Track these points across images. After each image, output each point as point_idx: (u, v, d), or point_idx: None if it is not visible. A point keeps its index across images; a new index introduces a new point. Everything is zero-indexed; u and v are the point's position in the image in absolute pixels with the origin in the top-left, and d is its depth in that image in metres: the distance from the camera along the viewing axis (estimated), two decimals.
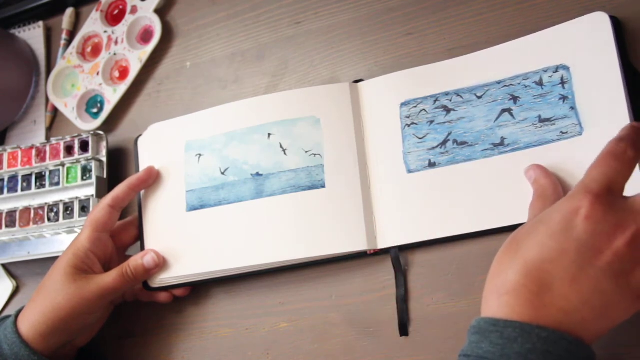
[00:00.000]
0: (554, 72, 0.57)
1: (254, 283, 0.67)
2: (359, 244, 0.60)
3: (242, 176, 0.65)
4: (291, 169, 0.64)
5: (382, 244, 0.61)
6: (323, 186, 0.62)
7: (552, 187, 0.52)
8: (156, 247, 0.66)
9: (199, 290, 0.69)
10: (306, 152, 0.64)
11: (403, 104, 0.63)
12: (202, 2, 0.79)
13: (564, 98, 0.56)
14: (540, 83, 0.58)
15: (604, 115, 0.54)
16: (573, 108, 0.56)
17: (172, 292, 0.67)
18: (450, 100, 0.61)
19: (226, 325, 0.67)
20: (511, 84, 0.59)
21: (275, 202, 0.63)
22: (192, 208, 0.66)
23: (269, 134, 0.65)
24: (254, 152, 0.65)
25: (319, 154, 0.63)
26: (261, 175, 0.64)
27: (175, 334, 0.69)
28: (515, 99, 0.58)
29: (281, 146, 0.65)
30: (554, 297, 0.42)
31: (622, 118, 0.53)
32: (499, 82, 0.59)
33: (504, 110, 0.59)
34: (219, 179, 0.66)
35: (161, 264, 0.65)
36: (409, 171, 0.61)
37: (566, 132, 0.56)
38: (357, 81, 0.66)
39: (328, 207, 0.62)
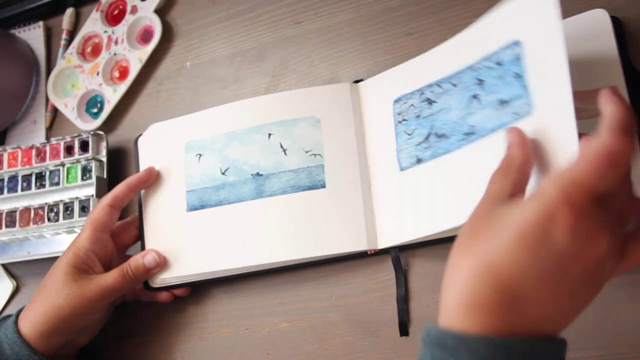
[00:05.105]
0: (510, 50, 0.51)
1: (254, 283, 0.67)
2: (359, 244, 0.60)
3: (243, 176, 0.65)
4: (291, 169, 0.64)
5: (382, 244, 0.61)
6: (323, 186, 0.62)
7: (520, 161, 0.44)
8: (157, 247, 0.66)
9: (199, 290, 0.69)
10: (306, 152, 0.64)
11: (396, 101, 0.62)
12: (202, 2, 0.79)
13: (517, 76, 0.50)
14: (500, 63, 0.52)
15: (549, 92, 0.47)
16: (525, 86, 0.49)
17: (172, 292, 0.67)
18: (433, 92, 0.58)
19: (226, 325, 0.67)
20: (478, 68, 0.54)
21: (276, 202, 0.63)
22: (192, 208, 0.66)
23: (269, 134, 0.65)
24: (254, 152, 0.65)
25: (319, 154, 0.63)
26: (261, 175, 0.64)
27: (175, 334, 0.69)
28: (481, 82, 0.54)
29: (281, 146, 0.65)
30: (529, 309, 0.38)
31: (565, 97, 0.44)
32: (470, 67, 0.55)
33: (472, 97, 0.54)
34: (219, 179, 0.66)
35: (162, 264, 0.65)
36: (402, 169, 0.60)
37: (518, 113, 0.50)
38: (357, 81, 0.66)
39: (328, 207, 0.62)
